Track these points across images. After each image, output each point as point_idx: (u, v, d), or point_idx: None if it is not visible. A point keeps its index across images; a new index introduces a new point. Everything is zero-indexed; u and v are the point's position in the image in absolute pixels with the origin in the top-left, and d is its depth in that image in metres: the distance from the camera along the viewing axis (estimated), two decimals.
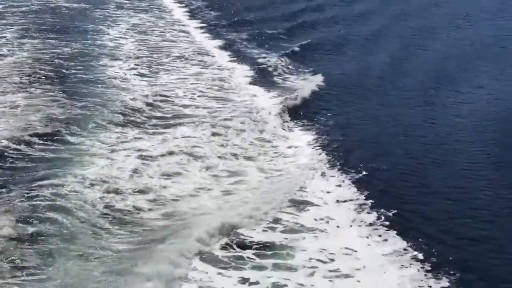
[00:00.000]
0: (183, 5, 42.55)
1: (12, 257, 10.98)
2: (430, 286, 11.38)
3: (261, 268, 11.56)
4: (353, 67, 27.08)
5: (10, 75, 22.77)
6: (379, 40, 33.05)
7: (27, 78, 22.45)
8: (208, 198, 13.89)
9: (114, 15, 37.79)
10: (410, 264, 11.91)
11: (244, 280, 11.18)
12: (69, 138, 16.97)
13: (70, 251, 11.40)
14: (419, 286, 11.29)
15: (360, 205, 14.14)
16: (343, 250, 12.31)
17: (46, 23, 33.60)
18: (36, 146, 16.19)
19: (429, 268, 11.84)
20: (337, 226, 13.22)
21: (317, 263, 11.84)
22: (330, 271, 11.61)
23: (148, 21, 36.17)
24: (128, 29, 33.28)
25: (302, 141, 17.93)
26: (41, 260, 11.11)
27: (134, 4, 42.15)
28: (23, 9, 37.89)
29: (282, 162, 16.33)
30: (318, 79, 24.17)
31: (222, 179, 14.99)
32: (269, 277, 11.17)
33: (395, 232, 12.97)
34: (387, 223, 13.33)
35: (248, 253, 12.00)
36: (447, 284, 11.43)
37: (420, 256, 12.17)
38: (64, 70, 24.12)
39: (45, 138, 16.81)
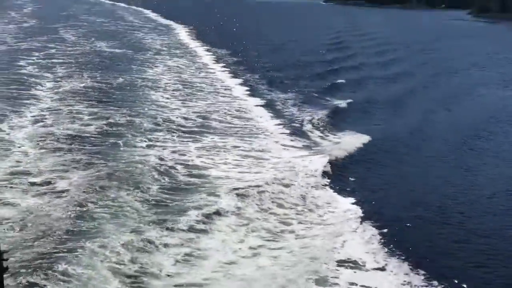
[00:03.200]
0: (211, 53, 48.34)
1: None
2: None
3: None
4: (389, 126, 26.95)
5: (73, 96, 27.89)
6: (414, 100, 33.37)
7: (86, 100, 27.47)
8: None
9: (153, 58, 43.51)
10: None
11: None
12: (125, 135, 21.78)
13: None
14: None
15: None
16: None
17: (94, 62, 39.30)
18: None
19: None
20: None
21: None
22: None
23: (182, 64, 41.48)
24: (165, 69, 38.56)
25: (341, 203, 16.91)
26: None
27: (171, 51, 48.05)
28: (72, 52, 43.96)
29: (320, 227, 15.14)
30: (356, 140, 23.66)
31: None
32: None
33: None
34: None
35: None
36: None
37: None
38: (114, 96, 29.09)
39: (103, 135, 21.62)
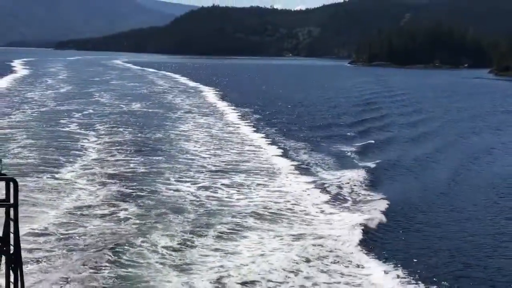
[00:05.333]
0: (238, 111, 52.14)
1: None
2: None
3: None
4: (418, 188, 26.51)
5: (116, 148, 31.58)
6: (444, 161, 33.30)
7: (128, 151, 31.15)
8: None
9: (184, 116, 47.52)
10: None
11: None
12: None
13: None
14: None
15: None
16: None
17: (130, 121, 43.42)
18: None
19: None
20: None
21: None
22: None
23: (210, 121, 45.25)
24: (195, 126, 42.32)
25: (376, 270, 16.18)
26: None
27: (200, 110, 52.10)
28: (108, 112, 48.36)
29: None
30: (386, 204, 22.63)
31: None
32: None
33: None
34: None
35: None
36: None
37: None
38: (152, 146, 32.77)
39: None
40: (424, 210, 22.76)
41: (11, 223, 7.32)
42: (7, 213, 7.27)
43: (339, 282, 15.14)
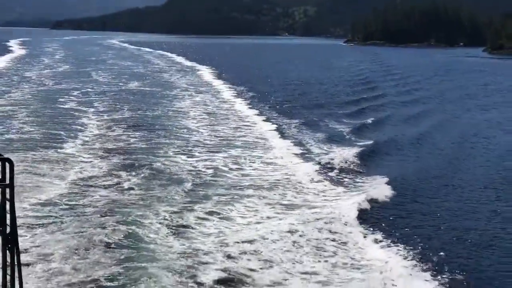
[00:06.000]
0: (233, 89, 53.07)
1: None
2: None
3: None
4: (415, 168, 26.18)
5: (116, 125, 32.55)
6: (440, 139, 33.38)
7: (128, 127, 32.14)
8: None
9: (181, 94, 48.54)
10: None
11: None
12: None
13: None
14: None
15: None
16: None
17: (129, 99, 44.48)
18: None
19: None
20: None
21: None
22: None
23: (207, 99, 46.26)
24: (192, 103, 43.30)
25: (376, 249, 16.14)
26: None
27: (196, 88, 53.08)
28: (106, 90, 49.46)
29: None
30: (384, 185, 22.32)
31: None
32: None
33: None
34: None
35: None
36: None
37: None
38: (151, 123, 33.79)
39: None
40: (421, 187, 23.01)
41: (7, 204, 7.25)
42: (3, 194, 7.24)
43: (333, 253, 15.61)
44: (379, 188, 21.83)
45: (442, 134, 34.96)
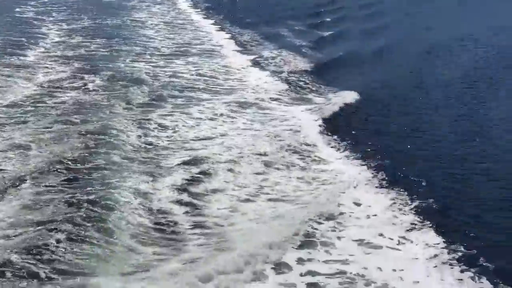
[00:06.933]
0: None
1: None
2: None
3: None
4: (380, 79, 25.96)
5: (76, 33, 33.62)
6: (404, 51, 32.78)
7: (88, 35, 33.22)
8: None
9: (138, 5, 49.20)
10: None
11: None
12: None
13: None
14: None
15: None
16: None
17: (87, 9, 45.01)
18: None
19: None
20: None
21: None
22: None
23: (164, 10, 47.17)
24: (150, 14, 44.24)
25: (337, 157, 16.56)
26: None
27: (153, 0, 53.53)
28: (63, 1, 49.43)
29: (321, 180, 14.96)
30: (350, 94, 22.68)
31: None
32: None
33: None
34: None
35: None
36: None
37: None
38: (111, 31, 34.95)
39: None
40: (384, 98, 22.94)
41: None
42: None
43: (287, 141, 17.38)
44: (340, 98, 22.35)
45: (405, 47, 34.01)
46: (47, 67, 25.49)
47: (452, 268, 10.83)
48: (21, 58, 26.98)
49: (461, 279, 10.43)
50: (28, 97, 20.78)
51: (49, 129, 17.43)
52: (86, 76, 23.81)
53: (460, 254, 11.25)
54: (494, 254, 11.25)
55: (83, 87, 22.40)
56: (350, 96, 22.42)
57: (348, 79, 25.82)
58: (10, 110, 19.28)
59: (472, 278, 10.44)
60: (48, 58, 27.23)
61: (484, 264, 10.87)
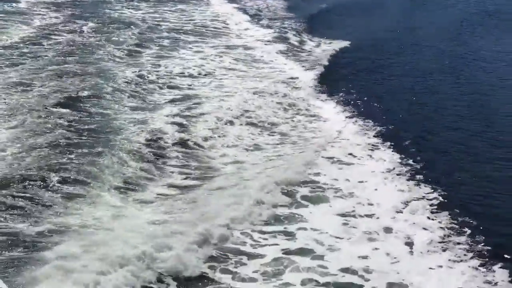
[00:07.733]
0: None
1: None
2: None
3: None
4: (371, 30, 26.13)
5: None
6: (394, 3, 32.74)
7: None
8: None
9: None
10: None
11: None
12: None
13: None
14: None
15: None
16: None
17: None
18: None
19: None
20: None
21: None
22: None
23: None
24: None
25: (329, 109, 16.93)
26: None
27: None
28: None
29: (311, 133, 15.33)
30: (340, 44, 23.28)
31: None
32: None
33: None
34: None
35: None
36: None
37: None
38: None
39: None
40: (377, 47, 23.35)
41: None
42: None
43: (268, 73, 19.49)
44: (333, 46, 23.37)
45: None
46: (38, 14, 26.34)
47: (401, 178, 12.69)
48: (14, 5, 27.78)
49: (408, 186, 12.37)
50: (24, 39, 21.87)
51: (47, 69, 18.56)
52: (79, 21, 25.09)
53: (409, 167, 13.11)
54: (437, 164, 13.38)
55: (79, 31, 23.61)
56: (341, 44, 23.61)
57: (340, 29, 26.58)
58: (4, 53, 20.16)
59: (417, 185, 12.36)
60: (40, 4, 28.13)
61: (427, 173, 12.81)
